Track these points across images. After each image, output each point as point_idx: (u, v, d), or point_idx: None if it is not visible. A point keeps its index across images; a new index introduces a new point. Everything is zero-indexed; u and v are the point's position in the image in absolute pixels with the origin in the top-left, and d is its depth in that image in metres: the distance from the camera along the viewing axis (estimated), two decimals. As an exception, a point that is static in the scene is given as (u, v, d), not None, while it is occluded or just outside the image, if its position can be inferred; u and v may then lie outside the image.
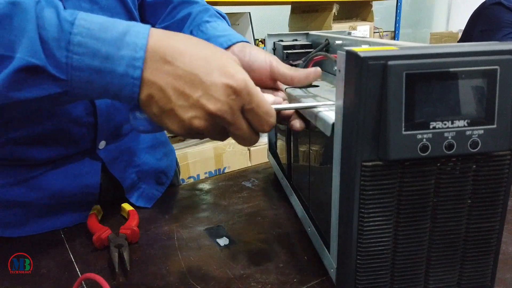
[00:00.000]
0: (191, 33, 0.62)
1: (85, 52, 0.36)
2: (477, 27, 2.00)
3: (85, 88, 0.37)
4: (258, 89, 0.39)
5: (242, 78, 0.37)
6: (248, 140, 0.41)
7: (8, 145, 0.53)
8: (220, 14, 0.67)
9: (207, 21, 0.62)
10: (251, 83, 0.38)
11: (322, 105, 0.44)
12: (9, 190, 0.55)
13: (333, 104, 0.47)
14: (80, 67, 0.36)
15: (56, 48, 0.36)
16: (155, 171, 0.69)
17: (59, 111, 0.53)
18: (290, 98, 0.55)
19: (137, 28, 0.38)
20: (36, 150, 0.54)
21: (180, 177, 0.85)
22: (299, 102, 0.51)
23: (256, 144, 2.24)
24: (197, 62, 0.37)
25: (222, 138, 0.41)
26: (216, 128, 0.39)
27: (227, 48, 0.55)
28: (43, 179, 0.56)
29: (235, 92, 0.37)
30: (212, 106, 0.37)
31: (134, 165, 0.65)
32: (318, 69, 0.50)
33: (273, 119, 0.40)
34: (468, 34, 2.08)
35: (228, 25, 0.66)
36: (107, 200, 0.62)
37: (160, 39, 0.38)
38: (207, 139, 0.43)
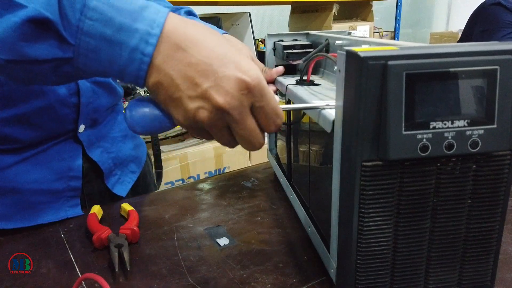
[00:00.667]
0: None
1: (99, 18, 0.34)
2: (477, 27, 2.00)
3: (91, 58, 0.36)
4: (269, 88, 0.38)
5: (256, 75, 0.36)
6: (253, 141, 0.39)
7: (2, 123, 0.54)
8: (191, 13, 0.71)
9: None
10: (264, 82, 0.37)
11: (326, 105, 0.43)
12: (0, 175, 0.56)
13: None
14: (91, 33, 0.35)
15: (70, 8, 0.34)
16: (128, 160, 0.73)
17: (47, 89, 0.54)
18: (292, 96, 0.55)
19: (158, 7, 0.37)
20: (22, 131, 0.56)
21: (180, 177, 0.87)
22: (301, 100, 0.51)
23: (256, 144, 2.23)
24: (212, 53, 0.36)
25: (225, 138, 0.39)
26: (221, 124, 0.37)
27: None
28: (29, 163, 0.58)
29: (247, 87, 0.36)
30: (220, 98, 0.35)
31: (110, 151, 0.68)
32: (281, 68, 0.53)
33: (280, 120, 0.39)
34: (468, 35, 2.08)
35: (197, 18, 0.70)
36: (90, 190, 0.65)
37: (178, 24, 0.36)
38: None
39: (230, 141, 0.39)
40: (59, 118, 0.58)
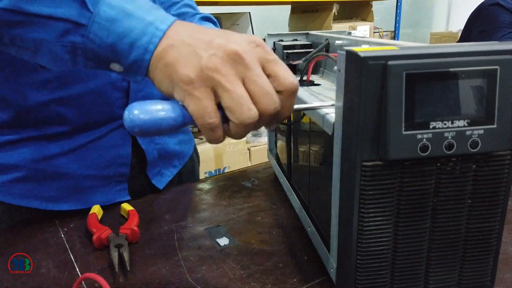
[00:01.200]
0: None
1: None
2: (476, 27, 2.00)
3: (104, 27, 0.37)
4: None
5: (259, 38, 0.37)
6: (269, 96, 0.35)
7: (51, 105, 0.57)
8: (209, 18, 0.76)
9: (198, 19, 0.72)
10: (267, 46, 0.38)
11: (328, 105, 0.43)
12: (53, 161, 0.59)
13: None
14: (113, 4, 0.37)
15: None
16: (172, 153, 0.74)
17: (99, 71, 0.56)
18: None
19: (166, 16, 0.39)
20: (75, 112, 0.58)
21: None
22: (301, 101, 0.51)
23: (256, 144, 2.25)
24: (222, 31, 0.38)
25: (244, 90, 0.35)
26: (233, 72, 0.35)
27: None
28: (82, 151, 0.61)
29: (255, 43, 0.36)
30: (234, 45, 0.35)
31: (156, 143, 0.69)
32: None
33: (294, 80, 0.37)
34: (467, 35, 2.07)
35: (216, 24, 0.76)
36: (132, 179, 0.67)
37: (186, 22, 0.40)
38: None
39: (247, 99, 0.35)
40: (109, 102, 0.60)
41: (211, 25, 0.75)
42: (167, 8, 0.72)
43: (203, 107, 0.35)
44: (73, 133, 0.60)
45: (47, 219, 0.60)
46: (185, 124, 0.38)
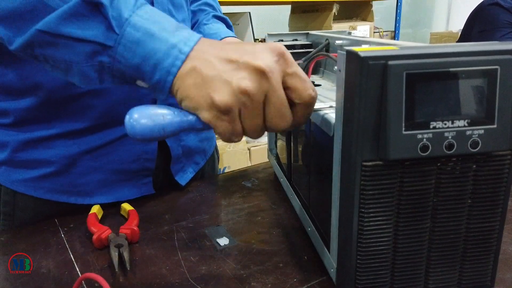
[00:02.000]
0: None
1: (148, 18, 0.39)
2: (475, 28, 1.99)
3: (130, 49, 0.39)
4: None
5: (280, 47, 0.38)
6: (281, 118, 0.38)
7: (85, 97, 0.58)
8: (222, 18, 0.78)
9: (205, 24, 0.74)
10: (289, 54, 0.39)
11: (326, 107, 0.43)
12: (83, 157, 0.61)
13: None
14: (137, 26, 0.39)
15: (124, 3, 0.39)
16: (195, 150, 0.75)
17: None
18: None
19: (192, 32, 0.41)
20: (106, 106, 0.59)
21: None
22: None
23: (256, 144, 2.25)
24: (243, 44, 0.40)
25: (259, 117, 0.38)
26: (261, 93, 0.37)
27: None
28: (112, 145, 0.62)
29: (279, 54, 0.38)
30: (261, 62, 0.36)
31: (181, 139, 0.71)
32: None
33: (313, 91, 0.39)
34: (466, 35, 2.07)
35: (228, 25, 0.78)
36: (157, 172, 0.69)
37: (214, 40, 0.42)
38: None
39: (260, 123, 0.39)
40: (138, 97, 0.61)
41: (223, 25, 0.76)
42: (190, 3, 0.75)
43: (232, 130, 0.38)
44: (103, 128, 0.62)
45: (61, 216, 0.61)
46: (188, 130, 0.39)
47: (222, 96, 0.37)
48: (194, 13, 0.77)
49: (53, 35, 0.40)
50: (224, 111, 0.37)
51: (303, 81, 0.39)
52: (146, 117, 0.37)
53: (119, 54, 0.39)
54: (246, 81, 0.36)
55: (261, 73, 0.36)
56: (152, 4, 0.60)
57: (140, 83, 0.42)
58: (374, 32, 2.63)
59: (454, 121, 0.32)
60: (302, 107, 0.39)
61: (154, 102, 0.63)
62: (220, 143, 1.89)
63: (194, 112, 0.39)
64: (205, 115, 0.38)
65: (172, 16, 0.65)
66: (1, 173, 0.62)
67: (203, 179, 0.78)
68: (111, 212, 0.62)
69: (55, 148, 0.60)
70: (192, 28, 0.75)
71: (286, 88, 0.38)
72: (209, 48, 0.39)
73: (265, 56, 0.37)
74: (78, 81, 0.44)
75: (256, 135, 0.40)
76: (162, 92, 0.40)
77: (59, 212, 0.62)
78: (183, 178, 0.73)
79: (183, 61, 0.38)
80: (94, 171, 0.63)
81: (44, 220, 0.61)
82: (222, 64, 0.37)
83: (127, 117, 0.38)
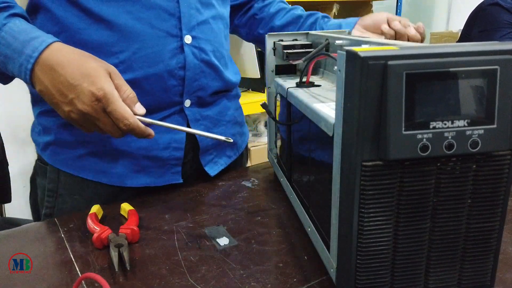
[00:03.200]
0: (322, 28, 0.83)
1: (4, 43, 0.53)
2: (475, 28, 1.99)
3: (3, 63, 0.55)
4: (117, 98, 0.52)
5: (102, 88, 0.51)
6: (113, 134, 0.54)
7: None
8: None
9: (325, 22, 0.84)
10: (110, 93, 0.51)
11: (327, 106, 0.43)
12: (116, 140, 0.66)
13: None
14: (0, 51, 0.54)
15: None
16: (226, 144, 0.77)
17: (159, 59, 0.64)
18: (293, 99, 0.55)
19: (44, 38, 0.53)
20: (137, 96, 0.62)
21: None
22: (302, 103, 0.51)
23: (256, 144, 2.24)
24: (72, 72, 0.52)
25: (97, 129, 0.55)
26: (88, 121, 0.53)
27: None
28: None
29: (97, 98, 0.51)
30: (80, 106, 0.52)
31: (211, 131, 0.73)
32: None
33: (128, 121, 0.52)
34: (466, 35, 2.07)
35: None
36: (186, 163, 0.72)
37: (54, 50, 0.53)
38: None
39: (100, 131, 0.55)
40: (167, 88, 0.66)
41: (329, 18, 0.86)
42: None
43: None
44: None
45: (96, 201, 0.60)
46: None
47: (61, 115, 0.55)
48: (281, 11, 0.86)
49: None
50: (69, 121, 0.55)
51: (116, 118, 0.52)
52: None
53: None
54: (73, 114, 0.53)
55: (82, 113, 0.52)
56: (177, 2, 0.64)
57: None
58: (374, 32, 2.63)
59: (454, 121, 0.32)
60: (125, 133, 0.55)
61: (181, 95, 0.68)
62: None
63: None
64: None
65: (200, 13, 0.67)
66: (50, 153, 0.69)
67: (208, 179, 0.78)
68: (111, 212, 0.62)
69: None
70: (313, 27, 0.84)
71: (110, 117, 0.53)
72: (48, 71, 0.53)
73: (85, 99, 0.51)
74: None
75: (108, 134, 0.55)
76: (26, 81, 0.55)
77: (96, 194, 0.68)
78: (213, 169, 0.75)
79: (32, 78, 0.54)
80: (125, 155, 0.67)
81: (84, 199, 0.67)
82: (57, 94, 0.53)
83: None
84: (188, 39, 0.65)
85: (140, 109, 0.55)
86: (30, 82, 0.54)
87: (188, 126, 0.70)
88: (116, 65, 0.61)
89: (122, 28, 0.61)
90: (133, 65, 0.63)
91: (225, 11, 0.76)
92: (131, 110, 0.54)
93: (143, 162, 0.68)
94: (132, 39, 0.62)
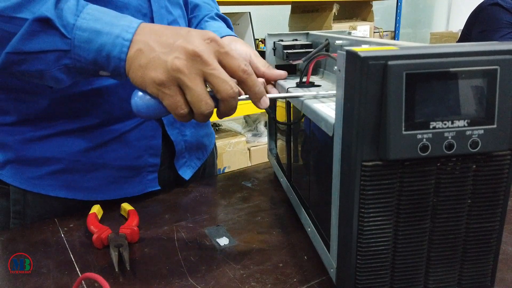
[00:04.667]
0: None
1: (91, 18, 0.46)
2: (475, 28, 2.00)
3: (83, 48, 0.46)
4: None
5: (213, 34, 0.45)
6: (226, 83, 0.44)
7: (90, 96, 0.60)
8: (221, 16, 0.79)
9: (206, 21, 0.76)
10: (220, 39, 0.45)
11: (309, 94, 0.46)
12: (89, 153, 0.63)
13: (324, 94, 0.50)
14: (83, 27, 0.45)
15: (69, 12, 0.45)
16: (197, 146, 0.76)
17: None
18: (293, 99, 0.55)
19: (134, 19, 0.47)
20: (111, 103, 0.61)
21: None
22: (302, 103, 0.51)
23: (256, 144, 2.24)
24: (180, 30, 0.45)
25: (199, 88, 0.44)
26: (195, 69, 0.43)
27: None
28: (117, 141, 0.64)
29: (209, 38, 0.44)
30: (191, 46, 0.43)
31: (184, 134, 0.72)
32: (285, 72, 0.58)
33: (244, 66, 0.45)
34: (466, 35, 2.08)
35: (229, 24, 0.79)
36: (162, 167, 0.70)
37: (149, 24, 0.47)
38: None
39: (206, 94, 0.44)
40: None
41: (223, 23, 0.77)
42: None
43: (175, 101, 0.44)
44: (108, 124, 0.62)
45: (63, 215, 0.61)
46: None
47: (159, 73, 0.43)
48: (197, 6, 0.78)
49: (20, 53, 0.46)
50: (161, 85, 0.43)
51: (236, 59, 0.45)
52: (147, 98, 0.46)
53: (76, 54, 0.46)
54: (178, 61, 0.43)
55: (193, 55, 0.43)
56: (149, 1, 0.62)
57: (102, 73, 0.48)
58: (374, 32, 2.63)
59: (454, 121, 0.32)
60: (239, 78, 0.46)
61: None
62: (219, 143, 1.90)
63: (142, 89, 0.45)
64: (150, 90, 0.44)
65: (169, 12, 0.66)
66: (9, 172, 0.62)
67: (203, 179, 0.78)
68: (111, 212, 0.62)
69: (60, 146, 0.61)
70: (191, 23, 0.77)
71: (223, 66, 0.45)
72: (150, 33, 0.46)
73: (196, 40, 0.44)
74: (53, 84, 0.50)
75: (200, 112, 0.45)
76: (121, 76, 0.47)
77: (69, 210, 0.63)
78: (186, 173, 0.74)
79: (129, 47, 0.45)
80: (99, 168, 0.64)
81: (54, 217, 0.61)
82: (160, 47, 0.44)
83: (132, 98, 0.46)
84: None
85: (279, 72, 0.53)
86: (125, 55, 0.45)
87: (164, 130, 0.68)
88: None
89: None
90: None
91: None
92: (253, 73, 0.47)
93: (117, 173, 0.65)
94: None
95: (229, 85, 0.44)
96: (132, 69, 0.45)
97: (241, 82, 0.46)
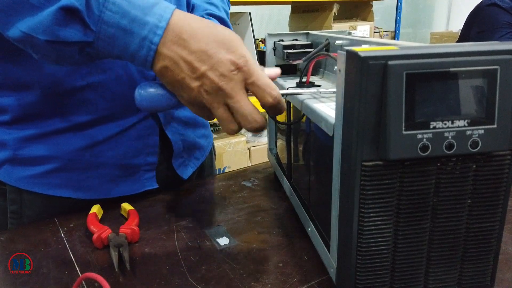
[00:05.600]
0: None
1: (117, 11, 0.42)
2: (474, 28, 1.99)
3: (108, 43, 0.44)
4: (258, 66, 0.44)
5: (243, 55, 0.43)
6: (248, 116, 0.44)
7: (84, 91, 0.59)
8: (216, 16, 0.75)
9: (202, 16, 0.74)
10: (251, 61, 0.43)
11: (312, 92, 0.46)
12: (86, 152, 0.62)
13: (330, 92, 0.50)
14: (109, 22, 0.43)
15: (95, 1, 0.42)
16: (194, 146, 0.76)
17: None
18: (293, 99, 0.55)
19: (166, 4, 0.44)
20: (106, 99, 0.60)
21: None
22: (302, 103, 0.51)
23: (256, 144, 2.24)
24: (207, 41, 0.43)
25: (225, 114, 0.45)
26: (218, 100, 0.44)
27: None
28: (114, 140, 0.63)
29: (237, 67, 0.43)
30: (215, 78, 0.42)
31: (181, 133, 0.71)
32: (278, 69, 0.53)
33: (274, 91, 0.44)
34: (465, 36, 2.07)
35: (224, 24, 0.76)
36: (160, 166, 0.69)
37: (181, 18, 0.44)
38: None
39: (229, 118, 0.45)
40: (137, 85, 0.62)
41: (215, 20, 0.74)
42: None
43: (208, 116, 0.47)
44: (104, 122, 0.62)
45: (63, 214, 0.61)
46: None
47: (185, 95, 0.45)
48: (193, 6, 0.76)
49: (40, 40, 0.43)
50: (188, 104, 0.46)
51: (262, 90, 0.44)
52: (151, 91, 0.47)
53: (100, 47, 0.44)
54: (203, 90, 0.44)
55: (216, 87, 0.43)
56: None
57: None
58: (374, 32, 2.63)
59: (454, 121, 0.32)
60: (270, 108, 0.45)
61: None
62: (219, 143, 1.90)
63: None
64: (182, 99, 0.46)
65: None
66: (5, 171, 0.62)
67: (203, 179, 0.78)
68: (111, 211, 0.62)
69: (57, 144, 0.60)
70: None
71: (252, 93, 0.44)
72: (178, 43, 0.43)
73: (223, 70, 0.43)
74: (70, 64, 0.48)
75: (233, 127, 0.46)
76: (148, 70, 0.46)
77: (66, 209, 0.62)
78: (184, 173, 0.73)
79: (155, 51, 0.43)
80: (96, 166, 0.63)
81: (51, 217, 0.61)
82: (186, 68, 0.43)
83: (136, 90, 0.47)
84: None
85: (273, 71, 0.48)
86: (151, 59, 0.44)
87: (162, 130, 0.67)
88: (81, 67, 0.58)
89: None
90: (101, 65, 0.59)
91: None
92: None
93: (115, 172, 0.65)
94: None
95: (250, 118, 0.44)
96: (157, 70, 0.45)
97: (268, 109, 0.46)
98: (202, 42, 0.43)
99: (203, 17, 0.73)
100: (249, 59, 0.43)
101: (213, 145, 0.89)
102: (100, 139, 0.62)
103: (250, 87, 0.44)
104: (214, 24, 0.45)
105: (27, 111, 0.59)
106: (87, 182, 0.63)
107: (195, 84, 0.43)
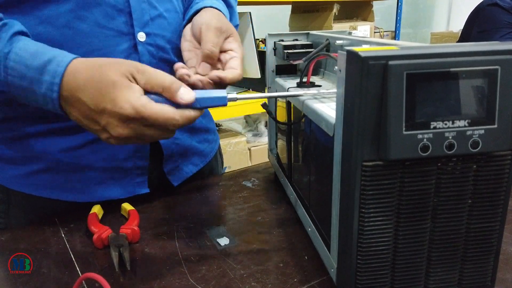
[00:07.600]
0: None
1: (16, 75, 0.47)
2: (475, 28, 1.99)
3: (21, 98, 0.49)
4: (150, 107, 0.44)
5: (128, 103, 0.43)
6: (168, 137, 0.48)
7: None
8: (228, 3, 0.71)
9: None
10: (141, 105, 0.43)
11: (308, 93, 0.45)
12: (73, 153, 0.61)
13: (330, 92, 0.49)
14: (14, 84, 0.48)
15: (3, 66, 0.47)
16: (191, 151, 0.73)
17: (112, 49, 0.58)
18: (293, 99, 0.55)
19: (61, 58, 0.47)
20: None
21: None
22: (302, 103, 0.51)
23: (257, 144, 2.24)
24: (94, 97, 0.45)
25: (149, 140, 0.48)
26: (135, 139, 0.46)
27: (196, 13, 0.61)
28: (100, 142, 0.60)
29: (128, 118, 0.44)
30: (115, 132, 0.45)
31: (174, 138, 0.69)
32: (216, 76, 0.52)
33: (175, 122, 0.45)
34: (466, 36, 2.07)
35: (230, 4, 0.71)
36: (152, 170, 0.68)
37: (72, 73, 0.46)
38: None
39: (154, 138, 0.48)
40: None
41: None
42: None
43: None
44: (82, 128, 0.60)
45: (54, 216, 0.61)
46: None
47: (105, 141, 0.47)
48: None
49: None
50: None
51: (162, 127, 0.45)
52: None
53: (18, 98, 0.50)
54: (112, 140, 0.46)
55: (120, 137, 0.45)
56: None
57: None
58: (375, 32, 2.63)
59: (455, 121, 0.32)
60: (164, 134, 0.47)
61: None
62: (220, 143, 1.89)
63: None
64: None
65: (153, 7, 0.61)
66: None
67: (203, 179, 0.78)
68: (112, 212, 0.62)
69: (40, 145, 0.60)
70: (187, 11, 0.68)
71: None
72: (73, 99, 0.46)
73: (117, 123, 0.45)
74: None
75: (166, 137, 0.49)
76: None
77: (53, 210, 0.62)
78: (176, 178, 0.71)
79: (59, 105, 0.47)
80: (83, 169, 0.62)
81: (39, 218, 0.61)
82: (89, 123, 0.47)
83: None
84: (141, 36, 0.59)
85: (186, 94, 0.45)
86: (62, 111, 0.48)
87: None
88: None
89: (65, 30, 0.54)
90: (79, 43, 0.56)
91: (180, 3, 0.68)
92: (175, 100, 0.45)
93: (104, 175, 0.63)
94: (77, 41, 0.55)
95: (171, 127, 0.46)
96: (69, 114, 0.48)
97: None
98: (89, 98, 0.45)
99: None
100: (136, 105, 0.43)
101: (220, 151, 0.86)
102: (86, 141, 0.61)
103: (150, 127, 0.45)
104: (102, 68, 0.46)
105: (11, 112, 0.59)
106: (74, 184, 0.63)
107: (104, 135, 0.46)
